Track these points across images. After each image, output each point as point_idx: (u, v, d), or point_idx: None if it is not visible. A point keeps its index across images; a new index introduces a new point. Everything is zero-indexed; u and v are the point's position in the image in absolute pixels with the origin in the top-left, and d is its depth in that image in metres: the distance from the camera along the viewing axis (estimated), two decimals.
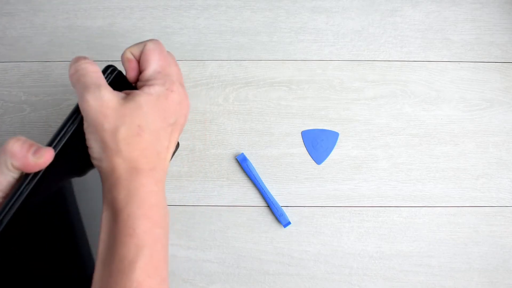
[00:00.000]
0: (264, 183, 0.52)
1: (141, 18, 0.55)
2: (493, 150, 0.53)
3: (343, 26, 0.55)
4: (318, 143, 0.53)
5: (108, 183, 0.30)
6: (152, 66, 0.32)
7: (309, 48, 0.54)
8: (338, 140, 0.53)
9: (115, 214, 0.29)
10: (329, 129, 0.53)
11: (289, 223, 0.51)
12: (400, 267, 0.52)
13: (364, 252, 0.52)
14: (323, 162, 0.53)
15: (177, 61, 0.54)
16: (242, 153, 0.52)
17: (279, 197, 0.52)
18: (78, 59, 0.31)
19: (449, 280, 0.51)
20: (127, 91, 0.32)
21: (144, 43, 0.33)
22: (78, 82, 0.30)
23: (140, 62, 0.33)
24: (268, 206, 0.52)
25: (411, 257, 0.52)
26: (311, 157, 0.53)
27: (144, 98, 0.30)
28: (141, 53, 0.33)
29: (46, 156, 0.28)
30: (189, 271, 0.51)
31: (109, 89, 0.30)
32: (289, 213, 0.52)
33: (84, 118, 0.30)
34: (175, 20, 0.55)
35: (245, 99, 0.53)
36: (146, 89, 0.31)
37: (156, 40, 0.34)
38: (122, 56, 0.33)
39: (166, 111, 0.31)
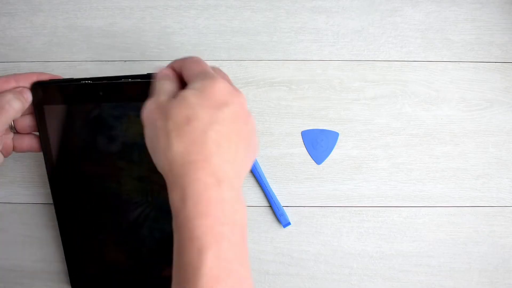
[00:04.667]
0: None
1: (141, 18, 0.55)
2: (493, 150, 0.53)
3: (343, 26, 0.55)
4: (318, 143, 0.53)
5: (168, 186, 0.29)
6: (194, 69, 0.32)
7: (309, 48, 0.54)
8: (338, 140, 0.53)
9: (176, 218, 0.28)
10: (329, 129, 0.53)
11: (289, 223, 0.51)
12: (400, 267, 0.52)
13: (364, 252, 0.52)
14: (323, 162, 0.53)
15: None
16: None
17: (279, 197, 0.52)
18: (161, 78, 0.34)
19: (449, 280, 0.51)
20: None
21: (183, 58, 0.35)
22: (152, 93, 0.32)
23: (182, 72, 0.34)
24: (269, 205, 0.52)
25: (411, 257, 0.52)
26: (311, 157, 0.53)
27: (188, 92, 0.30)
28: (182, 64, 0.34)
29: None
30: None
31: (169, 94, 0.31)
32: (289, 213, 0.52)
33: (144, 124, 0.31)
34: (175, 20, 0.55)
35: None
36: (190, 85, 0.31)
37: (196, 56, 0.35)
38: (161, 71, 0.35)
39: (213, 99, 0.29)
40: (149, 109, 0.31)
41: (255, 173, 0.52)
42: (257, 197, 0.52)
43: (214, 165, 0.28)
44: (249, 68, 0.54)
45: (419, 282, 0.51)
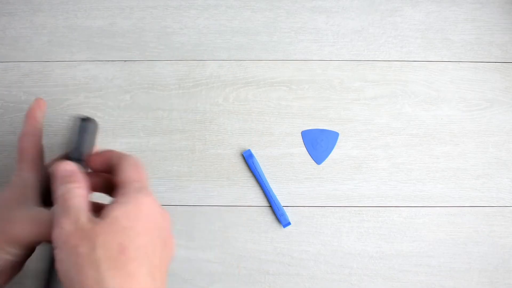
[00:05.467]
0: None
1: (141, 18, 0.55)
2: (493, 150, 0.53)
3: (343, 26, 0.55)
4: (318, 143, 0.53)
5: None
6: (131, 175, 0.28)
7: (309, 48, 0.54)
8: (338, 140, 0.53)
9: None
10: (329, 129, 0.53)
11: (289, 223, 0.51)
12: (400, 267, 0.52)
13: (364, 252, 0.52)
14: (323, 162, 0.53)
15: (177, 61, 0.54)
16: (249, 150, 0.52)
17: (279, 197, 0.52)
18: (67, 181, 0.27)
19: (449, 280, 0.51)
20: (100, 207, 0.28)
21: (123, 155, 0.30)
22: (60, 206, 0.26)
23: (114, 171, 0.29)
24: (269, 205, 0.52)
25: (411, 257, 0.52)
26: (311, 157, 0.53)
27: (119, 211, 0.26)
28: (118, 162, 0.29)
29: None
30: (189, 271, 0.51)
31: (88, 213, 0.26)
32: (289, 213, 0.52)
33: (57, 246, 0.25)
34: (175, 20, 0.55)
35: (245, 99, 0.53)
36: (121, 198, 0.27)
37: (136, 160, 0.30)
38: (64, 167, 0.29)
39: (146, 222, 0.26)
40: (66, 231, 0.25)
41: (255, 173, 0.52)
42: (257, 197, 0.52)
43: None
44: (249, 68, 0.54)
45: (419, 282, 0.51)
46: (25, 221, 0.28)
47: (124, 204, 0.26)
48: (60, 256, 0.25)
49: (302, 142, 0.53)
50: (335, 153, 0.53)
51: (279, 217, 0.51)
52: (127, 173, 0.28)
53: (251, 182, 0.52)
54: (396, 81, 0.54)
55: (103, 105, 0.53)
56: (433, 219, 0.52)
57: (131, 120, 0.53)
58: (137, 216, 0.26)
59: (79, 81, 0.54)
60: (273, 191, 0.52)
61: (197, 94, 0.53)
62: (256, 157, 0.52)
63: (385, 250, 0.52)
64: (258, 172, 0.52)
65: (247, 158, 0.52)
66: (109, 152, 0.31)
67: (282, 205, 0.52)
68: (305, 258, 0.52)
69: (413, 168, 0.53)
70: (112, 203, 0.27)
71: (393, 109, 0.53)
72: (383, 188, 0.52)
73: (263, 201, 0.52)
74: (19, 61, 0.54)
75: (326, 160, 0.53)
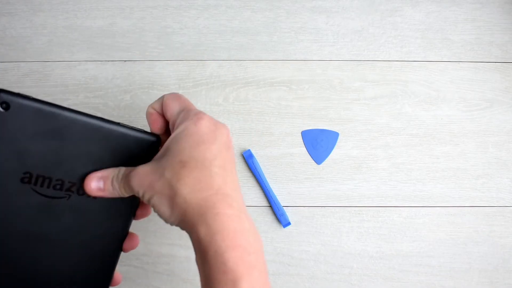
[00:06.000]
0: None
1: (141, 18, 0.55)
2: (493, 150, 0.53)
3: (343, 26, 0.55)
4: (318, 143, 0.53)
5: (187, 228, 0.29)
6: (173, 108, 0.32)
7: (309, 48, 0.54)
8: (338, 140, 0.53)
9: (203, 255, 0.28)
10: (329, 129, 0.53)
11: (289, 223, 0.51)
12: (400, 267, 0.52)
13: (364, 252, 0.52)
14: (323, 162, 0.53)
15: (177, 61, 0.54)
16: (249, 150, 0.52)
17: (279, 197, 0.52)
18: None
19: (449, 280, 0.51)
20: None
21: (162, 96, 0.34)
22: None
23: (164, 113, 0.33)
24: (269, 205, 0.52)
25: (411, 257, 0.52)
26: (311, 157, 0.53)
27: (173, 138, 0.30)
28: (162, 104, 0.33)
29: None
30: (189, 271, 0.51)
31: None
32: (289, 213, 0.52)
33: (140, 194, 0.30)
34: (175, 20, 0.55)
35: (245, 99, 0.53)
36: (175, 129, 0.31)
37: (174, 92, 0.34)
38: (146, 112, 0.34)
39: (202, 137, 0.30)
40: (143, 174, 0.30)
41: (255, 173, 0.52)
42: (257, 197, 0.52)
43: (227, 197, 0.29)
44: (249, 68, 0.54)
45: (419, 282, 0.51)
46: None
47: (177, 131, 0.30)
48: (146, 197, 0.30)
49: (302, 142, 0.53)
50: (335, 153, 0.53)
51: (279, 217, 0.51)
52: (170, 110, 0.32)
53: (251, 182, 0.52)
54: (396, 81, 0.54)
55: (103, 105, 0.53)
56: (433, 219, 0.52)
57: (131, 120, 0.53)
58: (190, 136, 0.30)
59: (79, 81, 0.54)
60: (273, 191, 0.52)
61: (197, 94, 0.53)
62: (256, 157, 0.52)
63: (385, 250, 0.52)
64: (258, 172, 0.52)
65: (247, 158, 0.52)
66: (153, 105, 0.34)
67: (282, 205, 0.52)
68: (305, 258, 0.52)
69: (413, 168, 0.53)
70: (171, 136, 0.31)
71: (393, 109, 0.53)
72: (383, 188, 0.52)
73: (263, 201, 0.52)
74: (19, 61, 0.54)
75: (326, 160, 0.53)
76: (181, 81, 0.54)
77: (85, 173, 0.31)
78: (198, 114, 0.31)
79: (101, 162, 0.32)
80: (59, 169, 0.31)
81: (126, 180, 0.30)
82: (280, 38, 0.54)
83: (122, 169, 0.31)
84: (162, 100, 0.33)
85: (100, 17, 0.55)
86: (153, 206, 0.30)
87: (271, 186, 0.52)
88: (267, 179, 0.52)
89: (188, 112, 0.31)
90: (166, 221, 0.30)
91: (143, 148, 0.33)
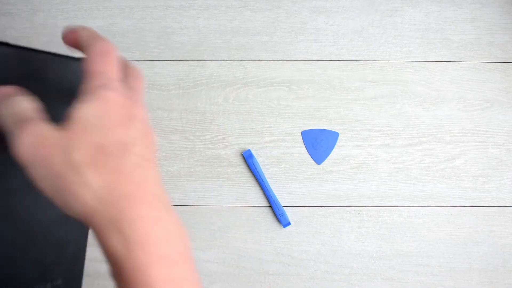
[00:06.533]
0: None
1: (141, 18, 0.55)
2: (493, 150, 0.53)
3: (343, 26, 0.55)
4: (318, 143, 0.53)
5: (95, 232, 0.23)
6: (92, 65, 0.25)
7: (309, 48, 0.54)
8: (338, 140, 0.53)
9: (120, 271, 0.22)
10: (329, 129, 0.53)
11: (289, 223, 0.51)
12: (400, 267, 0.52)
13: (364, 252, 0.52)
14: (323, 162, 0.53)
15: (177, 61, 0.54)
16: (249, 150, 0.52)
17: (279, 197, 0.52)
18: (9, 96, 0.24)
19: (449, 280, 0.51)
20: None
21: (94, 37, 0.26)
22: (4, 122, 0.23)
23: (82, 50, 0.26)
24: (269, 205, 0.52)
25: (411, 257, 0.52)
26: (311, 157, 0.53)
27: (85, 111, 0.23)
28: (87, 44, 0.26)
29: None
30: None
31: (45, 122, 0.23)
32: (289, 213, 0.52)
33: (27, 165, 0.23)
34: (175, 20, 0.55)
35: (245, 99, 0.53)
36: (83, 95, 0.24)
37: (104, 39, 0.26)
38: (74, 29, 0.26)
39: (117, 113, 0.24)
40: (32, 144, 0.22)
41: (255, 173, 0.52)
42: (257, 197, 0.52)
43: (149, 194, 0.24)
44: (249, 68, 0.54)
45: (419, 282, 0.51)
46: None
47: (87, 102, 0.23)
48: (36, 172, 0.23)
49: (302, 142, 0.53)
50: (335, 153, 0.53)
51: (279, 217, 0.51)
52: (92, 65, 0.25)
53: (251, 182, 0.52)
54: (396, 81, 0.54)
55: None
56: (433, 219, 0.52)
57: None
58: (105, 111, 0.23)
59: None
60: (273, 191, 0.52)
61: (197, 94, 0.53)
62: (256, 157, 0.52)
63: (385, 250, 0.52)
64: (258, 172, 0.52)
65: (247, 158, 0.52)
66: (82, 32, 0.26)
67: (282, 205, 0.52)
68: (305, 258, 0.52)
69: (413, 168, 0.53)
70: (74, 104, 0.24)
71: (393, 109, 0.53)
72: (383, 188, 0.52)
73: (263, 201, 0.52)
74: None
75: (326, 160, 0.53)
76: (181, 81, 0.54)
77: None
78: (113, 84, 0.24)
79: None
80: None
81: (17, 126, 0.23)
82: (280, 38, 0.54)
83: (25, 103, 0.24)
84: (93, 41, 0.26)
85: (100, 17, 0.55)
86: (43, 189, 0.23)
87: (271, 186, 0.52)
88: (267, 179, 0.52)
89: (106, 78, 0.25)
90: (62, 210, 0.24)
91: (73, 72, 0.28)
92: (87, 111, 0.23)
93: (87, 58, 0.25)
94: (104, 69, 0.25)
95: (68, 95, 0.27)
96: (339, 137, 0.53)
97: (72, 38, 0.26)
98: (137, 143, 0.24)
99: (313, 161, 0.53)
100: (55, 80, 0.26)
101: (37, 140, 0.22)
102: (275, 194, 0.52)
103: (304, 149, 0.53)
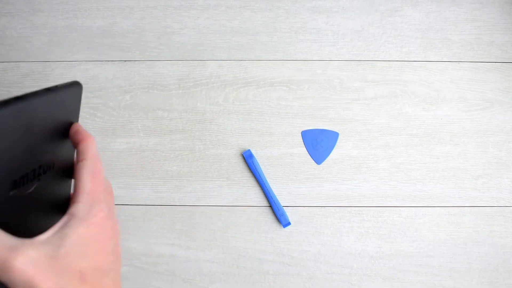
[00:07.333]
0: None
1: (141, 18, 0.55)
2: (493, 150, 0.53)
3: (343, 26, 0.55)
4: (318, 143, 0.53)
5: None
6: (82, 184, 0.27)
7: (309, 48, 0.54)
8: (338, 140, 0.53)
9: None
10: (329, 129, 0.53)
11: (289, 223, 0.51)
12: (400, 267, 0.52)
13: (364, 252, 0.52)
14: (323, 162, 0.53)
15: (177, 61, 0.54)
16: (249, 150, 0.52)
17: (279, 197, 0.52)
18: None
19: (449, 280, 0.51)
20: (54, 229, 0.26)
21: (86, 154, 0.28)
22: None
23: (78, 153, 0.28)
24: (269, 205, 0.52)
25: (411, 257, 0.52)
26: (311, 157, 0.53)
27: (73, 227, 0.25)
28: (81, 159, 0.28)
29: None
30: (189, 271, 0.51)
31: (31, 244, 0.24)
32: (289, 213, 0.52)
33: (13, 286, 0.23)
34: (175, 20, 0.55)
35: (245, 99, 0.53)
36: (70, 219, 0.25)
37: (96, 159, 0.28)
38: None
39: (101, 240, 0.26)
40: (31, 264, 0.23)
41: (255, 173, 0.52)
42: (257, 197, 0.52)
43: None
44: (249, 68, 0.54)
45: (419, 282, 0.51)
46: None
47: (76, 228, 0.26)
48: None
49: (302, 142, 0.53)
50: (335, 153, 0.53)
51: (279, 217, 0.51)
52: (82, 183, 0.27)
53: (251, 182, 0.52)
54: (396, 81, 0.54)
55: (103, 105, 0.53)
56: (433, 219, 0.52)
57: (131, 120, 0.53)
58: (91, 238, 0.26)
59: (79, 81, 0.54)
60: (273, 191, 0.52)
61: (197, 94, 0.53)
62: (256, 157, 0.52)
63: (385, 250, 0.52)
64: (258, 172, 0.52)
65: (247, 158, 0.52)
66: (85, 141, 0.28)
67: (282, 205, 0.52)
68: (305, 258, 0.52)
69: (413, 168, 0.53)
70: (63, 225, 0.26)
71: (393, 109, 0.53)
72: (383, 188, 0.52)
73: (263, 201, 0.52)
74: (19, 61, 0.54)
75: (326, 160, 0.53)
76: (181, 81, 0.54)
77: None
78: (101, 205, 0.27)
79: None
80: (33, 160, 0.26)
81: (4, 267, 0.22)
82: (280, 38, 0.54)
83: (3, 238, 0.23)
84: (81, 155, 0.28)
85: (100, 17, 0.55)
86: None
87: (271, 186, 0.52)
88: (267, 179, 0.52)
89: (94, 200, 0.27)
90: None
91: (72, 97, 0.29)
92: (74, 239, 0.25)
93: (77, 176, 0.27)
94: (93, 189, 0.27)
95: (59, 124, 0.28)
96: (339, 137, 0.53)
97: (75, 138, 0.29)
98: (112, 268, 0.27)
99: (313, 161, 0.53)
100: (44, 121, 0.27)
101: (24, 266, 0.23)
102: (275, 194, 0.52)
103: (304, 149, 0.53)
